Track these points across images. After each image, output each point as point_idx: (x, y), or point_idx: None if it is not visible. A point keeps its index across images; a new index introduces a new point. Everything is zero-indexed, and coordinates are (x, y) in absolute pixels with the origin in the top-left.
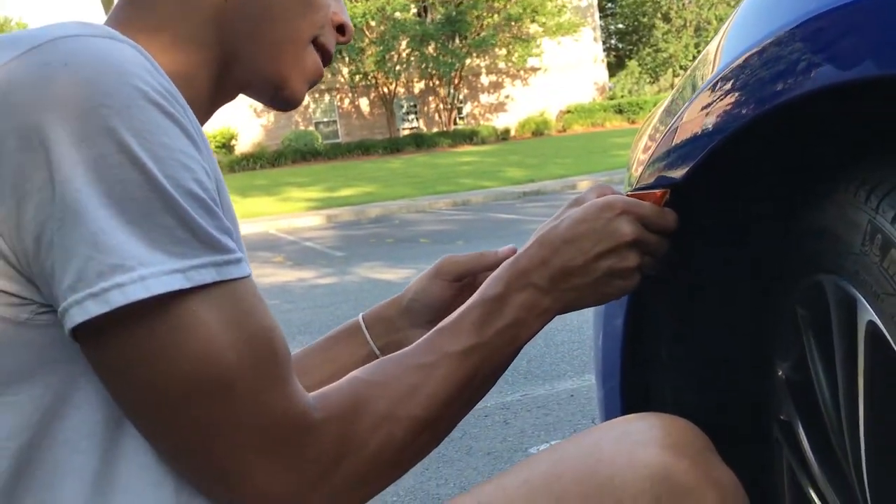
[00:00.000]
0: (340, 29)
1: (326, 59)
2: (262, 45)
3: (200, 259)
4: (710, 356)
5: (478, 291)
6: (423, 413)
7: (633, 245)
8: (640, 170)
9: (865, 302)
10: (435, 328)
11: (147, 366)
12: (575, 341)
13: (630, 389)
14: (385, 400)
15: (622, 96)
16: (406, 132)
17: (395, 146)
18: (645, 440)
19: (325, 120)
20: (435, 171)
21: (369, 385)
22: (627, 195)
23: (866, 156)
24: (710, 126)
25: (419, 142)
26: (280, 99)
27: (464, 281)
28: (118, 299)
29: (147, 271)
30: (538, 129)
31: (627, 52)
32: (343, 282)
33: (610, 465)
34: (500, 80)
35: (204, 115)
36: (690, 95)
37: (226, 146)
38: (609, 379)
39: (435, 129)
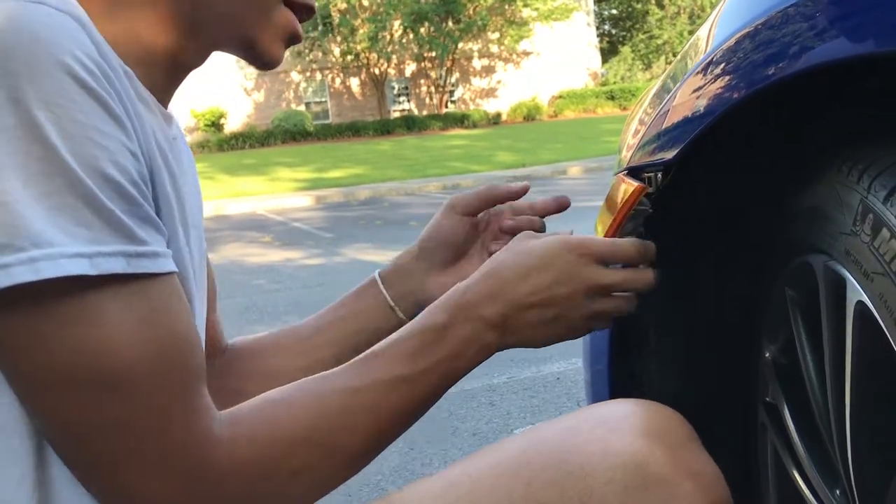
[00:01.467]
0: None
1: (307, 12)
2: (225, 6)
3: (109, 246)
4: (698, 339)
5: (419, 317)
6: (341, 440)
7: (588, 294)
8: (629, 153)
9: (855, 282)
10: (369, 350)
11: (38, 355)
12: None
13: (617, 372)
14: (302, 424)
15: (615, 83)
16: (397, 114)
17: (385, 128)
18: (621, 427)
19: (316, 100)
20: (425, 154)
21: (288, 406)
22: (616, 176)
23: (859, 136)
24: (701, 108)
25: (410, 124)
26: (254, 58)
27: (478, 217)
28: (1, 280)
29: (40, 253)
30: (530, 114)
31: (621, 38)
32: (331, 263)
33: (581, 453)
34: (492, 64)
35: (172, 81)
36: (681, 79)
37: (215, 125)
38: (596, 362)
39: (426, 112)
